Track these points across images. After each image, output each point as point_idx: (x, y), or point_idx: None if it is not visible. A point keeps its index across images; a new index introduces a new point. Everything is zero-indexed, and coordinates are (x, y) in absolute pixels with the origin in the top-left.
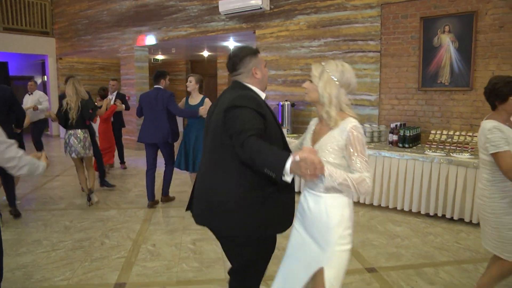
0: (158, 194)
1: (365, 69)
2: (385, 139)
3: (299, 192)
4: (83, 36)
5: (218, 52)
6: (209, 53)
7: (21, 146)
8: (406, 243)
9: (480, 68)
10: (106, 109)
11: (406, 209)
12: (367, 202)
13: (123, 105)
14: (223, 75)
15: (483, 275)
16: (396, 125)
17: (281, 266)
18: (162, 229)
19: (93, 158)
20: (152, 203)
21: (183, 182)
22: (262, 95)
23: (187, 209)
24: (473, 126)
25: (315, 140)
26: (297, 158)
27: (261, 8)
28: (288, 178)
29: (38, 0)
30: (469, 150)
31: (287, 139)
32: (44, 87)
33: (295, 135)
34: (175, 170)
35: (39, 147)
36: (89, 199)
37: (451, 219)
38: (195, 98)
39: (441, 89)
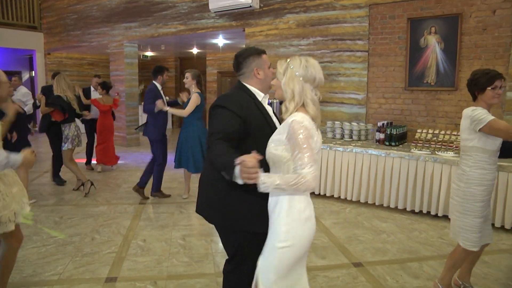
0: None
1: (353, 68)
2: (372, 137)
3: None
4: (72, 31)
5: (208, 49)
6: (199, 50)
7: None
8: (391, 238)
9: (464, 69)
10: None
11: (392, 206)
12: (354, 199)
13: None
14: (212, 72)
15: (443, 269)
16: (383, 124)
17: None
18: (152, 225)
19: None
20: (138, 188)
21: (171, 179)
22: (260, 96)
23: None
24: (457, 126)
25: None
26: (237, 161)
27: (250, 6)
28: (240, 181)
29: None
30: (453, 149)
31: None
32: (32, 83)
33: None
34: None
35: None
36: (90, 187)
37: (436, 215)
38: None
39: (427, 89)
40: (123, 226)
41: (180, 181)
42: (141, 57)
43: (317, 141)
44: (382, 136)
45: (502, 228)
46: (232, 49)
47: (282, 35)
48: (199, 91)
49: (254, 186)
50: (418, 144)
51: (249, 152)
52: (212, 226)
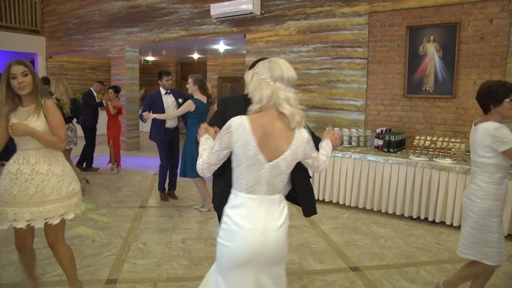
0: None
1: (352, 75)
2: (371, 144)
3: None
4: (73, 36)
5: (208, 54)
6: (199, 56)
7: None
8: (389, 244)
9: (462, 77)
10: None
11: (390, 211)
12: (352, 205)
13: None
14: (212, 77)
15: (453, 274)
16: (381, 130)
17: None
18: (152, 228)
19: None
20: (161, 193)
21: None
22: None
23: None
24: (455, 133)
25: None
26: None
27: (252, 13)
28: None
29: None
30: (451, 156)
31: None
32: None
33: None
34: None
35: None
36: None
37: (433, 221)
38: (200, 99)
39: (425, 96)
40: (123, 229)
41: (180, 185)
42: (142, 61)
43: (244, 145)
44: (380, 142)
45: None
46: (232, 55)
47: (283, 41)
48: (202, 97)
49: None
50: (416, 151)
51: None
52: (213, 230)
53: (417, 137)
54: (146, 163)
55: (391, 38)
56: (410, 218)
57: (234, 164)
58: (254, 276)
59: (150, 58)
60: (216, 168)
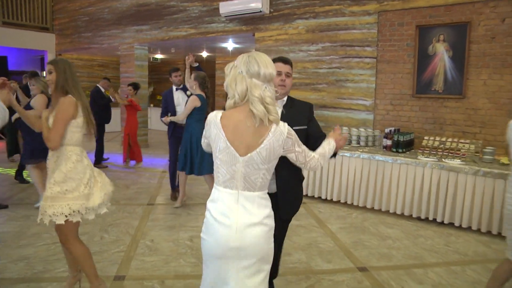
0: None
1: (361, 74)
2: (380, 144)
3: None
4: (83, 33)
5: (217, 53)
6: (208, 54)
7: None
8: (397, 244)
9: (472, 77)
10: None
11: (398, 212)
12: (360, 205)
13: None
14: (221, 76)
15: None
16: (390, 130)
17: None
18: (160, 225)
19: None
20: (172, 193)
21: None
22: None
23: None
24: (465, 133)
25: None
26: None
27: (261, 11)
28: None
29: None
30: (460, 156)
31: None
32: None
33: None
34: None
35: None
36: None
37: (442, 223)
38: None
39: (434, 96)
40: (132, 226)
41: (188, 183)
42: (151, 59)
43: (215, 139)
44: (389, 142)
45: None
46: (241, 53)
47: (292, 40)
48: (201, 93)
49: None
50: (425, 151)
51: None
52: None
53: (426, 138)
54: (154, 161)
55: (400, 38)
56: (419, 218)
57: (213, 155)
58: (234, 270)
59: (159, 56)
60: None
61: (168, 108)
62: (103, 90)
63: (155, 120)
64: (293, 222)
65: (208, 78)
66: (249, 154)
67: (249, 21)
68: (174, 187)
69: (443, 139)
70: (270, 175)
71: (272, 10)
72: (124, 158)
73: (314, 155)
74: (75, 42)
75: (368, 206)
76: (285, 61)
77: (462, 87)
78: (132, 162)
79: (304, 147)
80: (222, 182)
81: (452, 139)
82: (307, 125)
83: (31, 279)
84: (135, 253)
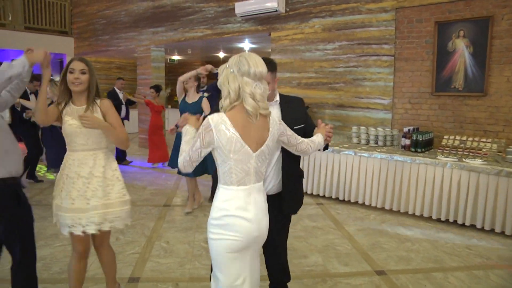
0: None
1: (379, 72)
2: (398, 143)
3: (320, 196)
4: (100, 36)
5: (234, 53)
6: (225, 54)
7: None
8: (416, 247)
9: (494, 74)
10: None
11: (417, 213)
12: (378, 206)
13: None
14: None
15: None
16: (409, 130)
17: None
18: (176, 227)
19: None
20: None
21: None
22: None
23: None
24: (486, 132)
25: None
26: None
27: (276, 10)
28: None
29: (58, 0)
30: (482, 156)
31: None
32: None
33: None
34: None
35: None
36: None
37: (463, 224)
38: (191, 97)
39: (454, 94)
40: (147, 228)
41: (204, 184)
42: (168, 61)
43: (229, 141)
44: (407, 142)
45: None
46: (258, 54)
47: (308, 39)
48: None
49: None
50: (445, 151)
51: None
52: None
53: (446, 137)
54: None
55: (418, 34)
56: (438, 220)
57: (220, 160)
58: (249, 260)
59: (176, 57)
60: (197, 164)
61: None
62: (118, 91)
63: (172, 122)
64: (310, 223)
65: None
66: (260, 149)
67: (265, 21)
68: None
69: (464, 138)
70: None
71: (288, 9)
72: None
73: (304, 139)
74: (93, 45)
75: (387, 207)
76: None
77: (483, 84)
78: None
79: (291, 131)
80: (236, 182)
81: (473, 138)
82: (304, 122)
83: (47, 280)
84: (150, 254)
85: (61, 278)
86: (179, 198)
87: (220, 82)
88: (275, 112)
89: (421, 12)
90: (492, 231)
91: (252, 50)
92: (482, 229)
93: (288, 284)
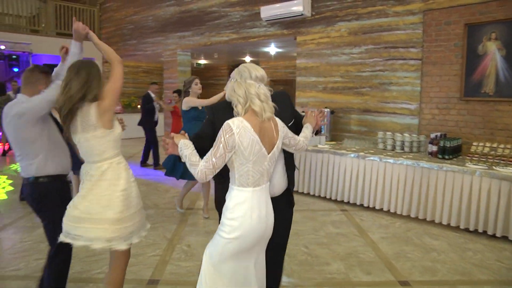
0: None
1: (405, 77)
2: (425, 150)
3: (337, 200)
4: (128, 41)
5: (260, 57)
6: (251, 59)
7: None
8: (442, 257)
9: None
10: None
11: (444, 222)
12: (404, 214)
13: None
14: None
15: None
16: (436, 136)
17: None
18: (198, 230)
19: None
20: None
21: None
22: None
23: None
24: None
25: None
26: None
27: (302, 14)
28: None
29: (88, 7)
30: None
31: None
32: None
33: (333, 142)
34: None
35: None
36: None
37: (493, 236)
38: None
39: (485, 99)
40: (169, 230)
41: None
42: (195, 65)
43: (250, 144)
44: (435, 148)
45: None
46: (284, 58)
47: (334, 43)
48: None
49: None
50: (474, 158)
51: None
52: None
53: (475, 143)
54: None
55: (447, 37)
56: (467, 230)
57: (238, 163)
58: (255, 257)
59: (202, 61)
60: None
61: None
62: (152, 95)
63: None
64: (333, 230)
65: None
66: (272, 151)
67: (290, 25)
68: None
69: (494, 145)
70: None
71: (313, 13)
72: None
73: (300, 138)
74: (121, 49)
75: (412, 215)
76: None
77: None
78: None
79: (292, 133)
80: (252, 183)
81: (505, 145)
82: (294, 117)
83: (68, 279)
84: (170, 257)
85: (82, 278)
86: (202, 201)
87: (228, 94)
88: None
89: (450, 14)
90: None
91: (277, 54)
92: None
93: None
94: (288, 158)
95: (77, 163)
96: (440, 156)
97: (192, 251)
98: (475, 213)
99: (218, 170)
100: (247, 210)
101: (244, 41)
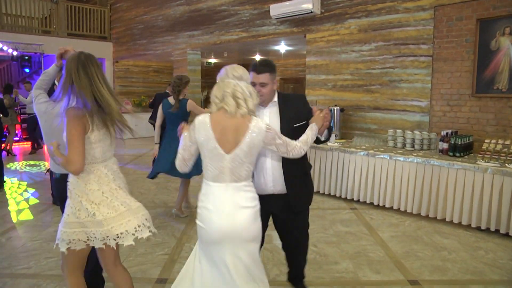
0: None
1: (416, 74)
2: (435, 147)
3: (349, 199)
4: (138, 41)
5: (270, 55)
6: (261, 57)
7: None
8: (453, 256)
9: None
10: None
11: (455, 221)
12: (414, 212)
13: None
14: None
15: None
16: (447, 133)
17: None
18: None
19: None
20: None
21: None
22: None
23: None
24: None
25: None
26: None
27: (312, 12)
28: None
29: (98, 7)
30: None
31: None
32: None
33: (343, 140)
34: None
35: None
36: None
37: (506, 234)
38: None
39: (497, 95)
40: (178, 229)
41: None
42: (205, 64)
43: (205, 140)
44: (445, 146)
45: None
46: (294, 56)
47: (344, 40)
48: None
49: None
50: (486, 156)
51: None
52: (267, 233)
53: (487, 141)
54: None
55: (458, 33)
56: (478, 229)
57: (201, 156)
58: (231, 252)
59: (212, 60)
60: (191, 163)
61: None
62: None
63: None
64: (342, 228)
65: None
66: (233, 152)
67: (300, 23)
68: None
69: (507, 142)
70: (253, 166)
71: (323, 10)
72: None
73: (296, 143)
74: (131, 49)
75: (423, 213)
76: (259, 70)
77: None
78: None
79: (284, 138)
80: (211, 178)
81: None
82: (307, 118)
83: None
84: (179, 256)
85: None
86: None
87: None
88: (274, 112)
89: (461, 10)
90: None
91: (287, 52)
92: None
93: None
94: (287, 163)
95: None
96: (451, 154)
97: None
98: (487, 212)
99: (189, 162)
100: (207, 203)
101: (254, 40)
